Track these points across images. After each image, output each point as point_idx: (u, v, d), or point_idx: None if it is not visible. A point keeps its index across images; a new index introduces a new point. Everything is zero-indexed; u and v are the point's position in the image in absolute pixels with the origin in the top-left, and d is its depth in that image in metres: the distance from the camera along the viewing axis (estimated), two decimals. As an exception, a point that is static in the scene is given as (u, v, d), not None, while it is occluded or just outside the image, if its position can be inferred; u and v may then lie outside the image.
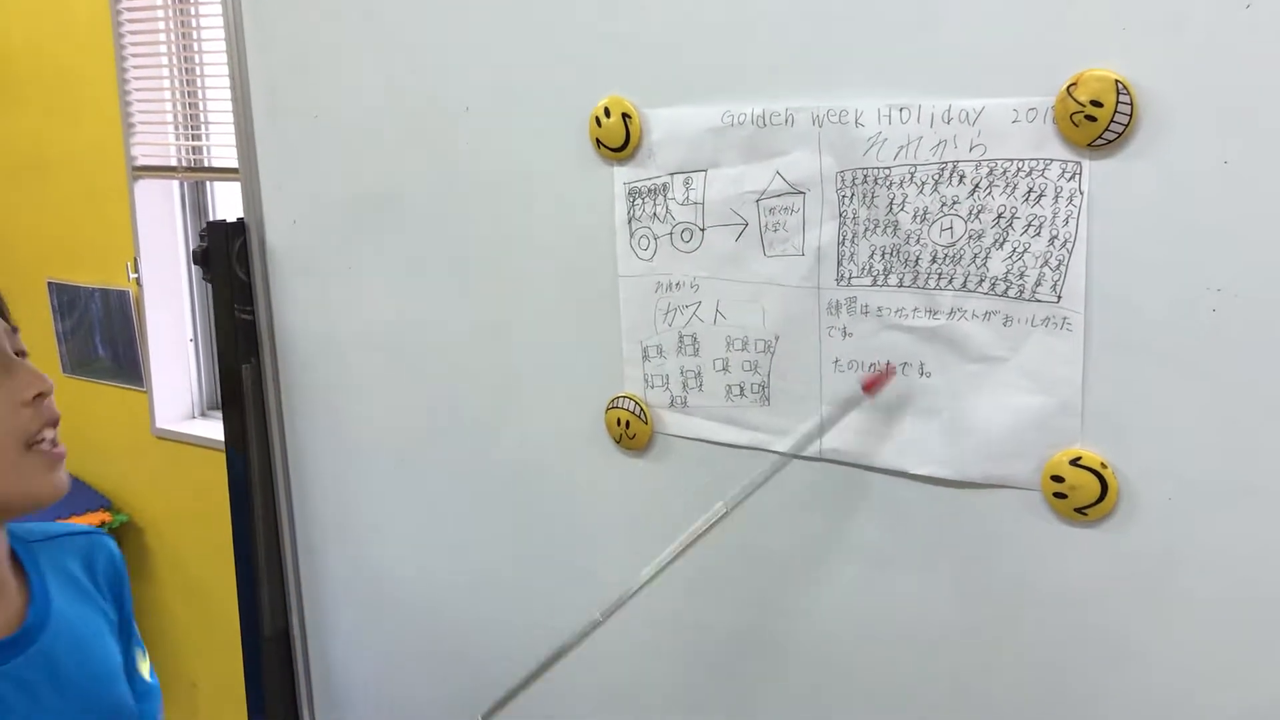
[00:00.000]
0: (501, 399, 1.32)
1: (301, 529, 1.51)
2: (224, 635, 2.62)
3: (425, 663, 1.46)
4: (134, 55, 2.71)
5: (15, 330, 1.02)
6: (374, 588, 1.48)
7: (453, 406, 1.36)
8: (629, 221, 1.19)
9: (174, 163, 2.76)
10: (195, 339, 2.89)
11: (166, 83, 2.68)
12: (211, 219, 1.45)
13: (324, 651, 1.53)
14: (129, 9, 2.69)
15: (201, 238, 1.44)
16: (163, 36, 2.66)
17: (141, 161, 2.77)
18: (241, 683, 1.52)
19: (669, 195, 1.16)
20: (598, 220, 1.20)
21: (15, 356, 1.00)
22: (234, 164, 2.64)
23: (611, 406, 1.24)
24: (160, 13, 2.64)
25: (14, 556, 1.10)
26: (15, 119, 2.95)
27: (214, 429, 2.79)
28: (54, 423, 1.02)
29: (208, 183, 2.84)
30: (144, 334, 2.79)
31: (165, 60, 2.67)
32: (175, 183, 2.82)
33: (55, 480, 1.02)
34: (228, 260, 1.43)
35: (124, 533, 2.85)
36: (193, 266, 1.46)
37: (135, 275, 2.79)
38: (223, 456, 2.68)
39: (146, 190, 2.79)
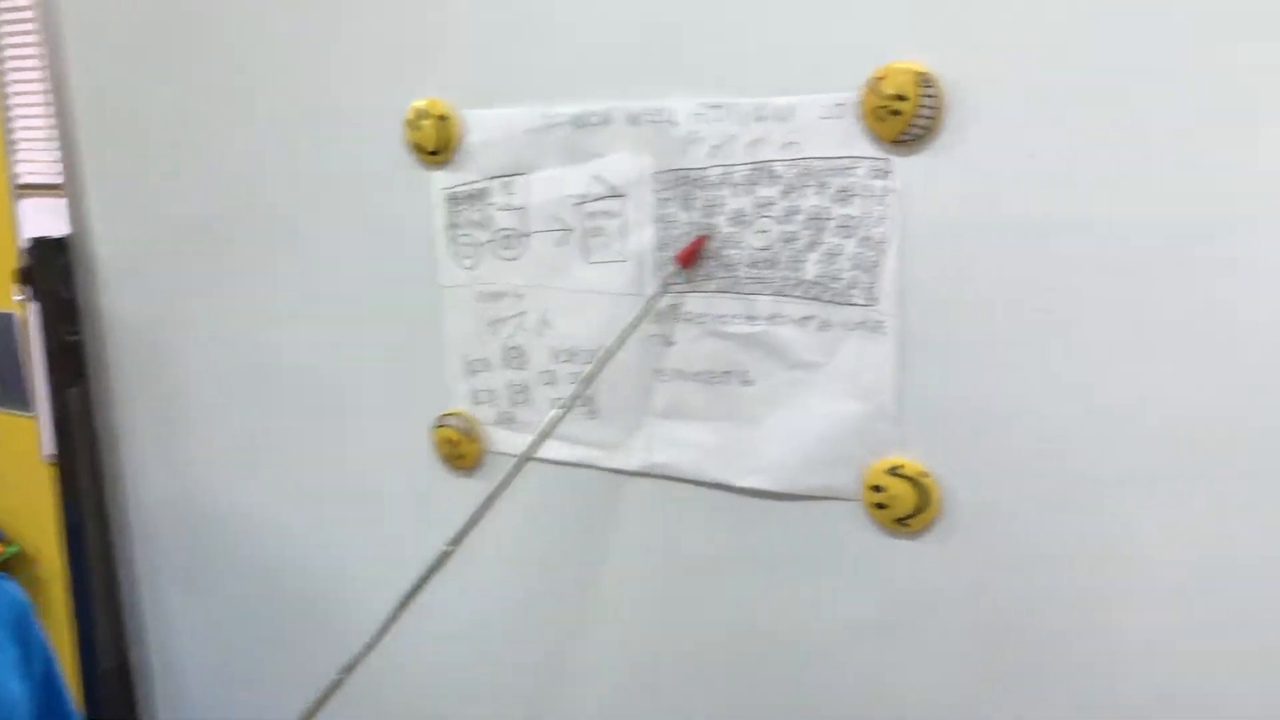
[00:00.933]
0: (333, 418, 1.26)
1: (142, 556, 1.44)
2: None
3: (276, 684, 1.39)
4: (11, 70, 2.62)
5: None
6: (219, 613, 1.41)
7: (287, 426, 1.30)
8: (449, 229, 1.14)
9: (60, 181, 2.67)
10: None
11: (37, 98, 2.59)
12: (38, 235, 1.37)
13: (170, 682, 1.46)
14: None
15: (27, 255, 1.37)
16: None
17: (25, 180, 2.68)
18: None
19: (489, 201, 1.11)
20: (418, 229, 1.15)
21: None
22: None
23: (439, 425, 1.18)
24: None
25: None
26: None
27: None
28: None
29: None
30: (29, 358, 2.70)
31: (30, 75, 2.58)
32: (64, 201, 2.72)
33: None
34: (54, 279, 1.36)
35: (16, 563, 2.74)
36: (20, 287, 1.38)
37: (21, 297, 2.70)
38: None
39: (32, 209, 2.70)
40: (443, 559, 1.07)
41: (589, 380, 1.04)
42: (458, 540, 1.07)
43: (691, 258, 1.00)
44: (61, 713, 1.20)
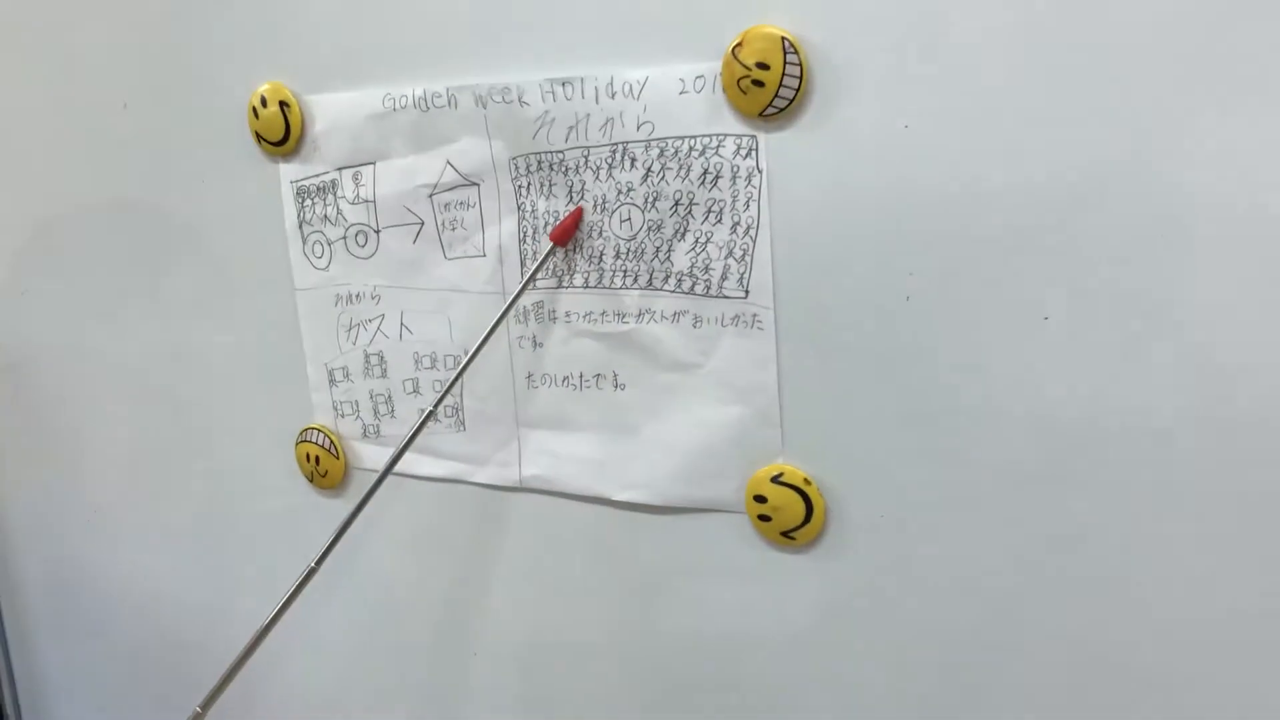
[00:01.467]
0: (196, 437, 1.16)
1: (2, 583, 1.33)
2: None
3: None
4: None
5: None
6: (80, 646, 1.31)
7: (142, 441, 1.20)
8: (300, 226, 1.04)
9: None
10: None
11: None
12: None
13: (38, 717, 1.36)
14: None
15: None
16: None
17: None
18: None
19: (339, 194, 1.01)
20: (269, 226, 1.05)
21: None
22: None
23: (301, 440, 1.09)
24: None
25: None
26: None
27: None
28: None
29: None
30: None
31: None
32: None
33: None
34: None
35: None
36: None
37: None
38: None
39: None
40: (307, 577, 0.97)
41: (447, 390, 0.94)
42: (321, 559, 0.97)
43: (567, 235, 0.90)
44: None
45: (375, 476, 1.04)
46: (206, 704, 0.96)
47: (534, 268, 0.91)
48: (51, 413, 1.25)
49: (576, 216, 0.89)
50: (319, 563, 0.97)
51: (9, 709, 1.33)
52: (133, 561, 1.24)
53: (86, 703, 1.33)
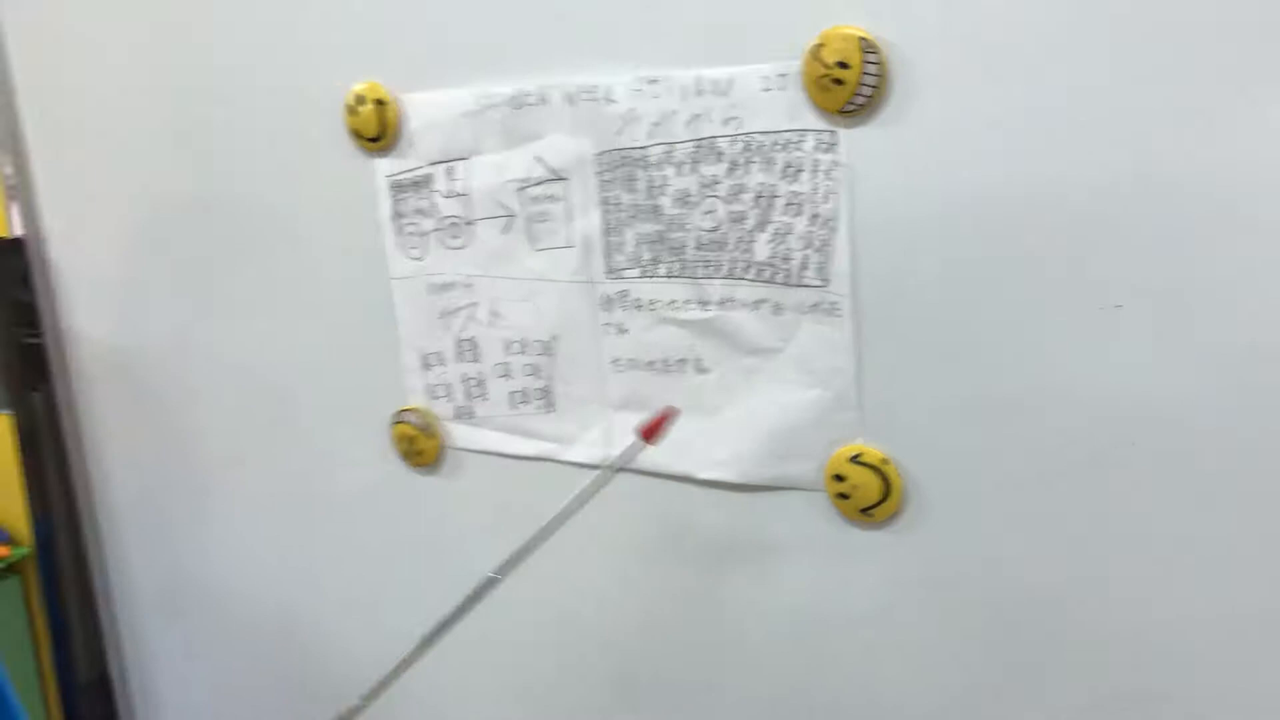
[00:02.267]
0: (294, 421, 1.23)
1: (114, 562, 1.42)
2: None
3: (249, 693, 1.38)
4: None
5: None
6: (186, 622, 1.39)
7: (244, 426, 1.27)
8: (395, 218, 1.09)
9: None
10: None
11: None
12: (-11, 239, 1.35)
13: (147, 690, 1.45)
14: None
15: (-20, 259, 1.34)
16: None
17: None
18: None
19: (433, 188, 1.06)
20: (364, 219, 1.10)
21: None
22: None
23: (397, 421, 1.15)
24: None
25: None
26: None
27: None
28: None
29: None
30: None
31: None
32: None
33: None
34: (8, 281, 1.33)
35: (25, 567, 2.75)
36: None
37: None
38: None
39: None
40: (487, 586, 1.00)
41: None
42: (504, 570, 1.00)
43: (655, 433, 0.90)
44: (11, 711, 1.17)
45: (468, 456, 1.10)
46: (368, 698, 1.00)
47: (619, 458, 0.92)
48: (159, 402, 1.32)
49: (666, 417, 0.90)
50: (500, 572, 0.99)
51: (117, 687, 1.42)
52: (238, 542, 1.31)
53: (195, 679, 1.41)
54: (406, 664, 0.99)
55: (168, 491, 1.35)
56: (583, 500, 0.93)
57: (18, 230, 1.35)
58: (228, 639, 1.36)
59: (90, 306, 1.34)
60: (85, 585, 1.39)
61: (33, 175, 1.35)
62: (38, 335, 1.35)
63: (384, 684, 1.00)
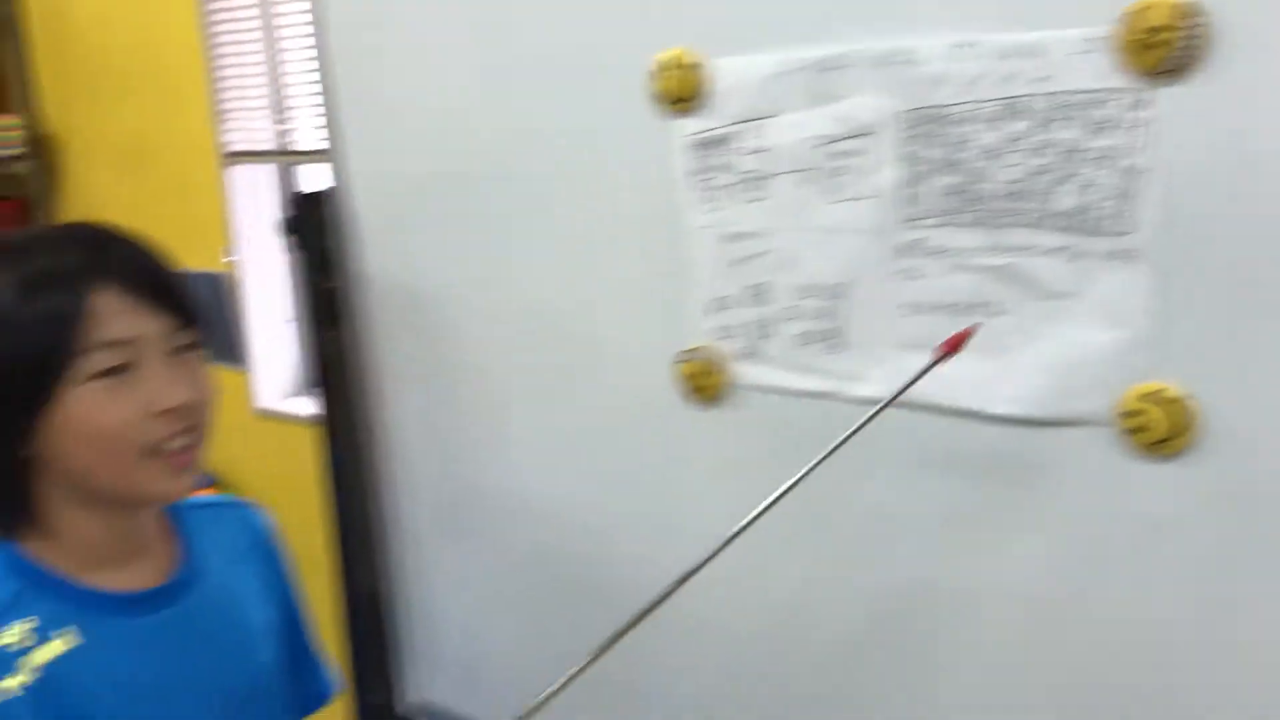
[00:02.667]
0: (579, 355, 1.35)
1: (395, 493, 1.56)
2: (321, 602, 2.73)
3: (515, 617, 1.50)
4: (224, 45, 2.81)
5: (182, 328, 1.02)
6: (465, 544, 1.53)
7: (534, 365, 1.39)
8: (695, 174, 1.20)
9: (266, 148, 2.85)
10: (292, 320, 2.99)
11: (255, 70, 2.76)
12: (301, 190, 1.50)
13: (416, 606, 1.59)
14: (219, 4, 2.78)
15: (287, 207, 1.49)
16: (251, 24, 2.74)
17: (234, 148, 2.87)
18: (338, 642, 1.58)
19: (733, 145, 1.17)
20: (663, 174, 1.22)
21: (163, 361, 1.00)
22: (321, 145, 2.72)
23: (683, 360, 1.26)
24: (251, 7, 2.73)
25: (167, 518, 1.15)
26: (117, 112, 3.08)
27: (311, 406, 2.89)
28: (189, 429, 1.02)
29: (296, 166, 2.93)
30: (243, 316, 2.90)
31: (254, 49, 2.75)
32: (267, 167, 2.91)
33: (172, 486, 1.03)
34: (313, 231, 1.48)
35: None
36: (282, 239, 1.50)
37: (231, 259, 2.90)
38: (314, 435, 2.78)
39: (240, 175, 2.89)
40: (736, 535, 1.07)
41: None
42: (749, 522, 1.07)
43: (957, 346, 1.01)
44: (300, 637, 1.27)
45: (753, 393, 1.20)
46: (630, 626, 1.06)
47: (912, 379, 1.01)
48: (450, 341, 1.46)
49: (968, 333, 1.01)
50: (781, 498, 1.07)
51: (394, 602, 1.56)
52: (520, 467, 1.44)
53: (469, 598, 1.54)
54: (665, 596, 1.06)
55: (453, 419, 1.48)
56: (864, 425, 1.02)
57: (326, 184, 1.50)
58: (504, 561, 1.49)
59: (387, 258, 1.49)
60: (366, 508, 1.53)
61: (342, 133, 1.49)
62: (334, 282, 1.50)
63: (638, 618, 1.03)
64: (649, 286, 1.26)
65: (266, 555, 1.23)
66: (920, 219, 1.07)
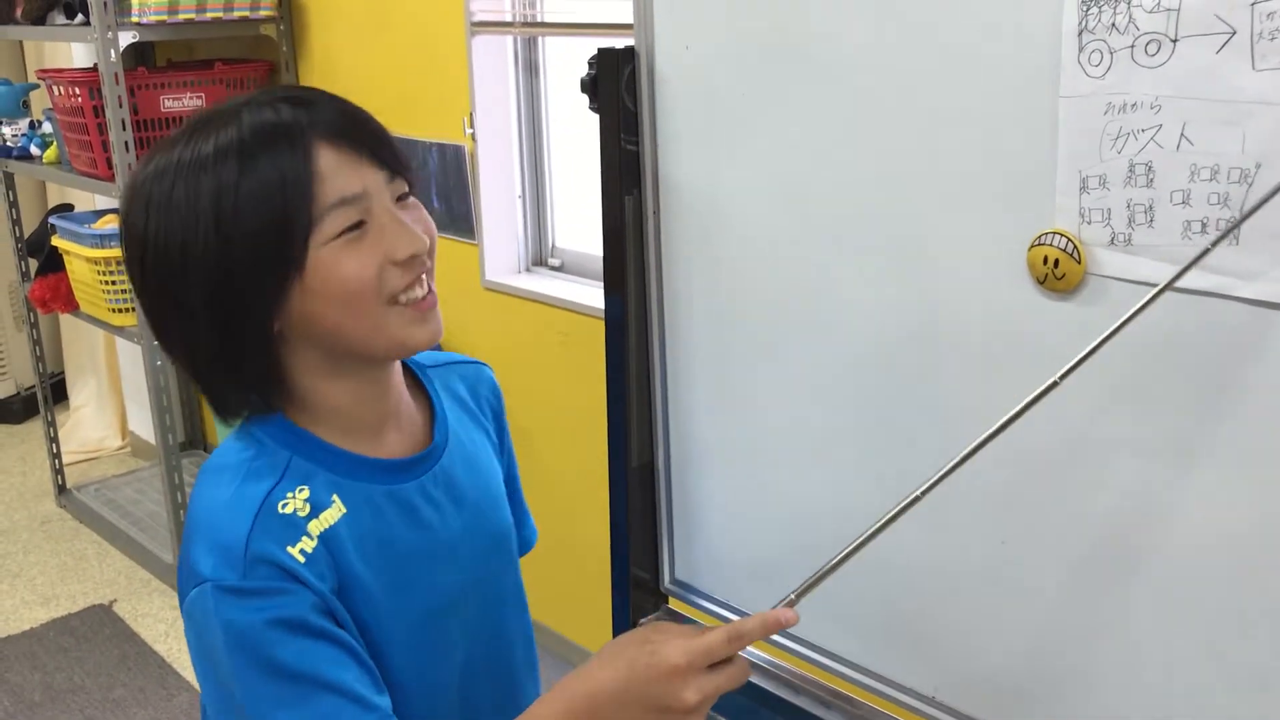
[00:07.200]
0: (906, 239, 1.24)
1: (672, 365, 1.51)
2: (549, 475, 2.76)
3: (782, 509, 1.44)
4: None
5: (396, 176, 1.02)
6: (741, 434, 1.47)
7: (848, 250, 1.30)
8: (1079, 34, 1.07)
9: (509, 18, 2.81)
10: (523, 195, 2.97)
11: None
12: (603, 47, 1.43)
13: (686, 485, 1.55)
14: None
15: (590, 66, 1.43)
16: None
17: (479, 17, 2.83)
18: (608, 516, 1.56)
19: (1134, 2, 1.03)
20: (1037, 32, 1.09)
21: (392, 211, 1.00)
22: (569, 20, 2.65)
23: (1037, 243, 1.14)
24: None
25: (413, 382, 1.15)
26: (365, -24, 3.09)
27: (537, 283, 2.89)
28: (425, 275, 1.03)
29: (539, 39, 2.88)
30: (477, 189, 2.90)
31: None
32: (510, 39, 2.87)
33: (420, 332, 1.03)
34: (616, 89, 1.42)
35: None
36: (584, 94, 1.44)
37: (470, 131, 2.89)
38: (544, 311, 2.78)
39: (482, 46, 2.86)
40: (1046, 391, 1.02)
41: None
42: (1065, 375, 1.02)
43: None
44: (517, 489, 1.30)
45: (1115, 284, 1.09)
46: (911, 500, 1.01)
47: None
48: (747, 217, 1.38)
49: None
50: (1062, 378, 1.02)
51: (662, 475, 1.52)
52: (808, 356, 1.36)
53: (733, 479, 1.49)
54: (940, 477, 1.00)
55: (740, 307, 1.41)
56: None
57: (630, 41, 1.42)
58: (770, 447, 1.42)
59: (690, 124, 1.41)
60: (646, 375, 1.49)
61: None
62: (636, 143, 1.43)
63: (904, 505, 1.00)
64: (1004, 158, 1.15)
65: (496, 412, 1.26)
66: (1372, 92, 0.92)
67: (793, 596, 0.98)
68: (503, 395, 1.27)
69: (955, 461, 1.01)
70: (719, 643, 0.92)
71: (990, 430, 1.01)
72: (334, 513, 1.02)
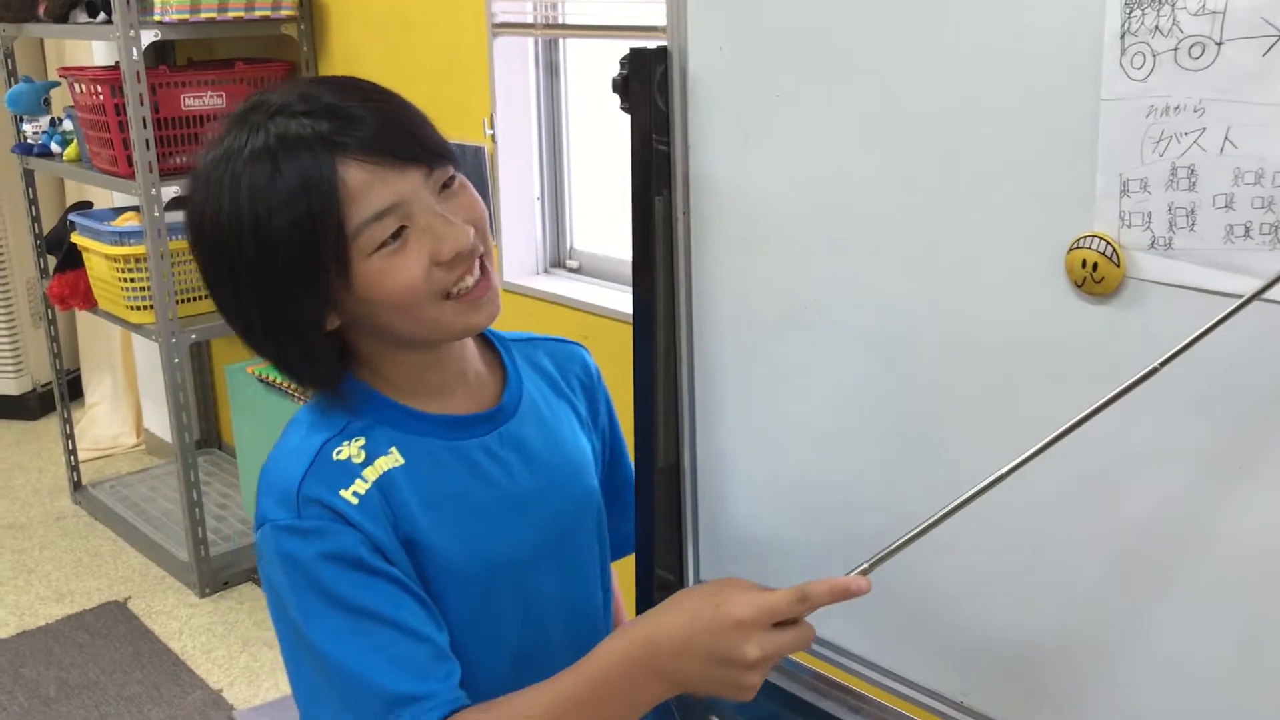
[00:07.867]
0: (941, 242, 1.24)
1: (700, 366, 1.51)
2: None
3: (808, 510, 1.44)
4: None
5: (435, 167, 1.04)
6: (768, 434, 1.46)
7: (882, 252, 1.29)
8: (1122, 36, 1.07)
9: (530, 20, 2.81)
10: (542, 197, 2.98)
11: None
12: (634, 48, 1.43)
13: (711, 486, 1.54)
14: None
15: (622, 66, 1.43)
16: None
17: (501, 19, 2.84)
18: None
19: (1177, 4, 1.03)
20: (1079, 34, 1.08)
21: (433, 210, 1.02)
22: (587, 21, 2.65)
23: (1076, 246, 1.13)
24: None
25: (491, 351, 1.19)
26: (387, -23, 3.09)
27: (555, 285, 2.89)
28: (474, 266, 1.06)
29: (560, 41, 2.89)
30: (496, 190, 2.90)
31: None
32: (530, 40, 2.87)
33: (472, 320, 1.08)
34: (648, 89, 1.41)
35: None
36: (616, 94, 1.44)
37: (491, 132, 2.89)
38: (562, 313, 2.78)
39: (503, 48, 2.86)
40: (1146, 376, 1.01)
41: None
42: (1166, 361, 1.01)
43: None
44: (624, 473, 1.39)
45: (1154, 288, 1.08)
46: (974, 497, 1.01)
47: None
48: (774, 218, 1.37)
49: None
50: (1163, 364, 1.00)
51: (688, 474, 1.52)
52: (840, 355, 1.36)
53: (760, 477, 1.48)
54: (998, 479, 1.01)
55: (770, 306, 1.40)
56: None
57: (655, 42, 1.42)
58: (798, 448, 1.41)
59: (722, 125, 1.40)
60: (673, 375, 1.49)
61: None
62: (666, 143, 1.43)
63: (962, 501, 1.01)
64: (1044, 161, 1.14)
65: (588, 388, 1.31)
66: None
67: (865, 565, 0.97)
68: (598, 373, 1.33)
69: (1039, 447, 1.02)
70: (786, 602, 0.93)
71: (1080, 415, 1.02)
72: (388, 461, 1.07)
